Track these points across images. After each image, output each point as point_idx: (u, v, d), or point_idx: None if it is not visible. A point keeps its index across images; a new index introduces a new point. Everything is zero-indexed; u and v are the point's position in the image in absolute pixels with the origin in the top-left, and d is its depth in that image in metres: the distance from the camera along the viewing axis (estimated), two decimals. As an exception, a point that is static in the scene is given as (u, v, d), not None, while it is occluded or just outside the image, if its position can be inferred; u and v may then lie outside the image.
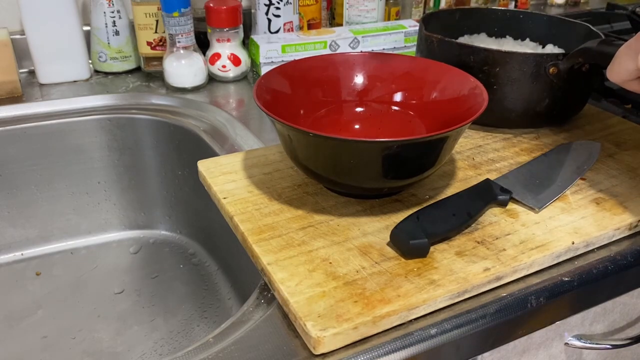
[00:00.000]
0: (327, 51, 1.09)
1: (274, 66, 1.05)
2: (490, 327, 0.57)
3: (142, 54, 1.07)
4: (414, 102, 0.75)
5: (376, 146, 0.59)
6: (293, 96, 0.73)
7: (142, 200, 1.03)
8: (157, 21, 1.04)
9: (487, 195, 0.66)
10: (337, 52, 1.10)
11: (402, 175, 0.63)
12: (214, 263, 0.98)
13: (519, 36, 0.96)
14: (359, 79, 0.77)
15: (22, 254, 1.00)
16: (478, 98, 0.66)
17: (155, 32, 1.05)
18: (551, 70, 0.77)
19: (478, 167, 0.75)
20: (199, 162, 0.74)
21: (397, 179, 0.64)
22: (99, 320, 0.89)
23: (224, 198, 0.67)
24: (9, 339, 0.86)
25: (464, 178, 0.73)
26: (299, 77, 0.74)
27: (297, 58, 1.05)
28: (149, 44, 1.06)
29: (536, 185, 0.70)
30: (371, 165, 0.61)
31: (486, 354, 0.65)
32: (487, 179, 0.69)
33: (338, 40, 1.09)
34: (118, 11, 1.05)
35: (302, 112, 0.74)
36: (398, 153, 0.59)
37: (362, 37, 1.11)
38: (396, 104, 0.76)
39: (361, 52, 1.09)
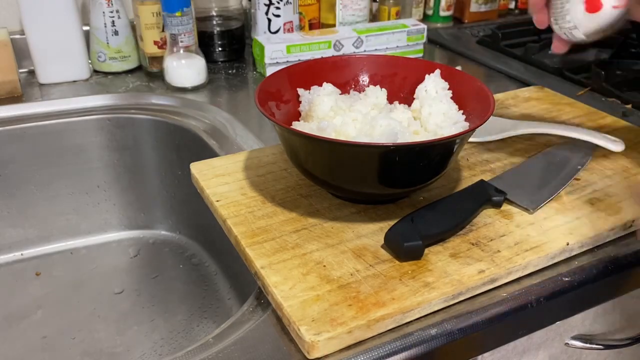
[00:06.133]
0: (331, 51, 1.09)
1: (279, 67, 1.05)
2: (490, 327, 0.57)
3: (148, 53, 1.07)
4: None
5: (373, 150, 0.58)
6: (294, 98, 0.73)
7: (142, 201, 1.04)
8: (163, 20, 1.04)
9: (481, 196, 0.66)
10: (341, 51, 1.10)
11: (399, 182, 0.63)
12: (213, 263, 0.98)
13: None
14: (364, 81, 0.77)
15: (22, 254, 1.00)
16: (484, 102, 0.66)
17: (163, 31, 1.05)
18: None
19: (472, 167, 0.75)
20: (191, 164, 0.74)
21: (395, 186, 0.64)
22: (98, 320, 0.89)
23: (217, 201, 0.67)
24: (9, 339, 0.86)
25: (458, 179, 0.72)
26: (300, 79, 0.73)
27: (302, 58, 1.06)
28: (156, 43, 1.06)
29: (530, 186, 0.70)
30: (369, 169, 0.60)
31: (486, 354, 0.65)
32: (482, 180, 0.69)
33: (342, 40, 1.09)
34: (117, 11, 1.05)
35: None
36: (396, 158, 0.59)
37: (366, 36, 1.10)
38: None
39: (366, 53, 1.10)
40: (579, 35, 0.64)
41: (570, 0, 0.63)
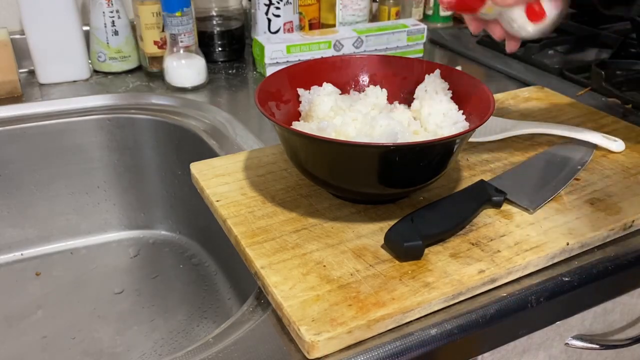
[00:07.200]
0: (331, 51, 1.09)
1: (279, 67, 1.05)
2: (490, 327, 0.57)
3: (149, 53, 1.07)
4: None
5: (373, 150, 0.58)
6: (294, 98, 0.73)
7: (142, 201, 1.04)
8: (163, 20, 1.04)
9: (481, 196, 0.65)
10: (341, 51, 1.10)
11: (399, 182, 0.63)
12: (213, 263, 0.98)
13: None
14: (364, 81, 0.77)
15: (22, 254, 1.00)
16: (484, 102, 0.66)
17: (162, 31, 1.05)
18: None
19: (472, 167, 0.75)
20: (191, 164, 0.74)
21: (395, 186, 0.64)
22: (98, 320, 0.89)
23: (217, 201, 0.67)
24: (9, 339, 0.86)
25: (458, 179, 0.72)
26: (300, 79, 0.73)
27: (302, 58, 1.06)
28: (156, 43, 1.06)
29: (530, 186, 0.70)
30: (369, 169, 0.60)
31: (486, 354, 0.65)
32: (482, 180, 0.69)
33: (342, 40, 1.09)
34: (117, 11, 1.05)
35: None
36: (396, 158, 0.58)
37: (366, 36, 1.10)
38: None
39: (366, 53, 1.10)
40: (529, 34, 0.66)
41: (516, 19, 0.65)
